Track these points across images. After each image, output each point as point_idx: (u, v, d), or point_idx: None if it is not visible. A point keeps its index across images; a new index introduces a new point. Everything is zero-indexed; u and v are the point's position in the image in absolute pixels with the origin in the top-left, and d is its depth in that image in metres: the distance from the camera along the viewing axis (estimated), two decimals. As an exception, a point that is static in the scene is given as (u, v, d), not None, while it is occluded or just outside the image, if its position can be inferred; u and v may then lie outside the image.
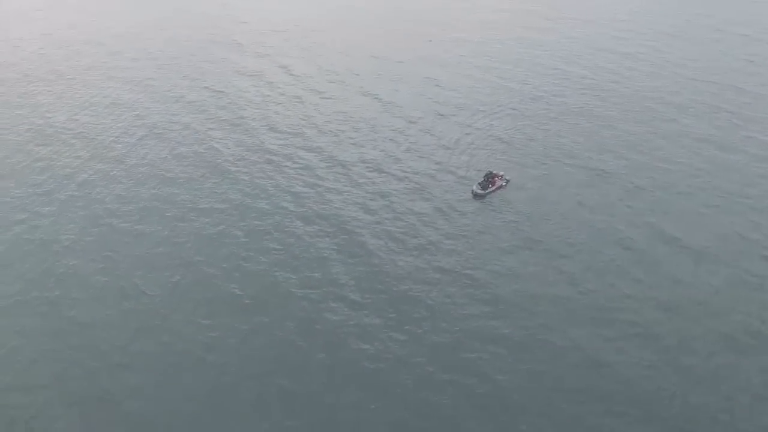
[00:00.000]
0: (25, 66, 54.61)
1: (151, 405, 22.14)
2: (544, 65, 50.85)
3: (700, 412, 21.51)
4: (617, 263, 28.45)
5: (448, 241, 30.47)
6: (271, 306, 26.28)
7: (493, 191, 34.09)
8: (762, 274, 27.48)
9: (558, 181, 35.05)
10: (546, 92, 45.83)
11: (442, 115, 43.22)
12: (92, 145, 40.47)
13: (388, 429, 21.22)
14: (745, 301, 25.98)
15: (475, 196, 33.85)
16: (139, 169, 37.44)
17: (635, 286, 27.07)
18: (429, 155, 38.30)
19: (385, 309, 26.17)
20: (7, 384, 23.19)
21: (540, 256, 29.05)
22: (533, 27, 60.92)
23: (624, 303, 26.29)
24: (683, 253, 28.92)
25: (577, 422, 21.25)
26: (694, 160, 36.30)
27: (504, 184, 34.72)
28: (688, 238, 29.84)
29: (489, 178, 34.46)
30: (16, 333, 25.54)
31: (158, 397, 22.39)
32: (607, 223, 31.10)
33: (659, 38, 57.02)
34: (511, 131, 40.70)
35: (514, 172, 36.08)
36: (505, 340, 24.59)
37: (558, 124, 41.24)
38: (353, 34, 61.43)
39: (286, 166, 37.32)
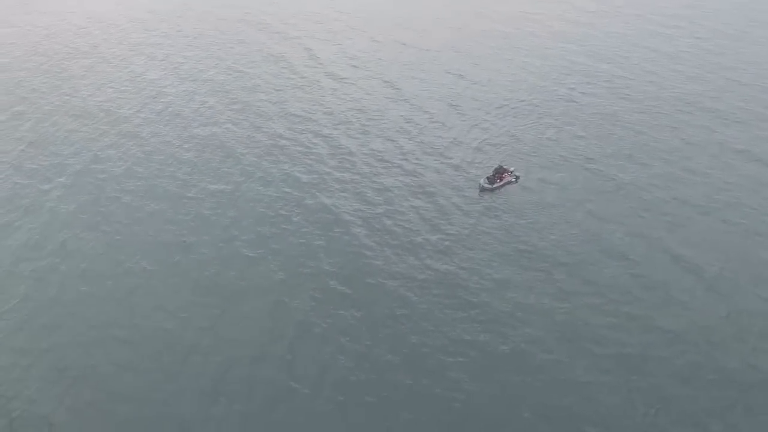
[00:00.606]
0: (68, 38, 56.09)
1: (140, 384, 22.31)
2: (577, 61, 47.76)
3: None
4: (618, 279, 26.23)
5: (445, 238, 29.12)
6: (254, 292, 26.03)
7: (501, 186, 32.63)
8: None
9: (571, 184, 32.82)
10: (574, 90, 43.01)
11: (459, 107, 41.31)
12: (114, 120, 41.26)
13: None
14: (757, 335, 23.40)
15: (482, 189, 32.60)
16: (156, 145, 37.87)
17: (633, 306, 24.89)
18: (440, 147, 36.72)
19: (365, 304, 25.28)
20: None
21: (537, 264, 27.21)
22: (572, 20, 57.39)
23: (618, 322, 24.21)
24: (693, 273, 26.39)
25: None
26: (724, 174, 33.21)
27: (513, 180, 33.15)
28: (701, 257, 27.24)
29: (498, 173, 33.11)
30: (12, 298, 26.27)
31: (150, 379, 22.57)
32: (615, 235, 28.77)
33: (712, 38, 52.71)
34: (531, 129, 38.43)
35: (526, 170, 34.14)
36: (483, 347, 23.17)
37: (582, 125, 38.63)
38: (385, 20, 59.75)
39: (296, 150, 36.82)
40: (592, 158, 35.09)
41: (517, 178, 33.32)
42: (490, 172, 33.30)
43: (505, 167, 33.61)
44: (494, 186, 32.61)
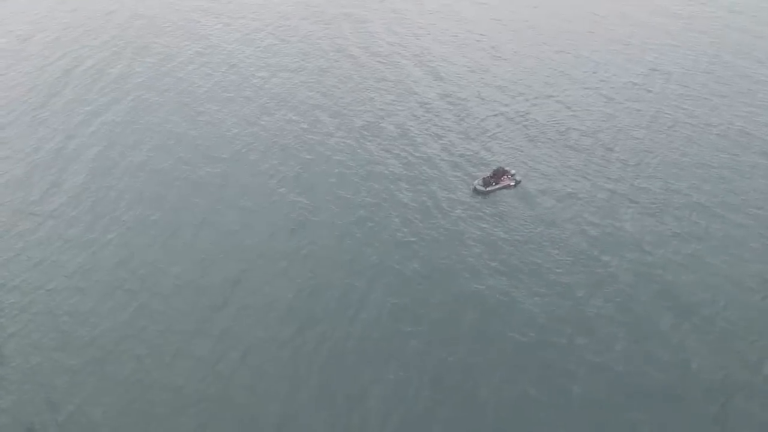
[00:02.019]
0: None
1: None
2: (642, 65, 41.46)
3: None
4: (602, 316, 22.80)
5: (419, 241, 26.72)
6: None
7: (497, 189, 29.44)
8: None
9: (578, 199, 28.97)
10: (620, 96, 37.87)
11: (482, 98, 37.71)
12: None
13: None
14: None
15: (475, 191, 29.35)
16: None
17: (608, 349, 21.55)
18: (446, 139, 33.74)
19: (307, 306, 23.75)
20: None
21: (513, 287, 24.22)
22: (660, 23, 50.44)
23: (584, 364, 21.01)
24: (689, 312, 22.72)
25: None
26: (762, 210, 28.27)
27: (513, 184, 29.85)
28: (703, 296, 23.46)
29: (496, 174, 29.95)
30: (17, 237, 27.67)
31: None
32: (612, 268, 24.94)
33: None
34: (552, 130, 34.39)
35: (532, 175, 30.57)
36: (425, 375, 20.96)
37: (614, 135, 34.00)
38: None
39: (310, 132, 35.19)
40: (615, 175, 30.38)
41: (516, 182, 29.99)
42: (489, 173, 30.25)
43: (505, 169, 30.37)
44: (488, 189, 29.49)
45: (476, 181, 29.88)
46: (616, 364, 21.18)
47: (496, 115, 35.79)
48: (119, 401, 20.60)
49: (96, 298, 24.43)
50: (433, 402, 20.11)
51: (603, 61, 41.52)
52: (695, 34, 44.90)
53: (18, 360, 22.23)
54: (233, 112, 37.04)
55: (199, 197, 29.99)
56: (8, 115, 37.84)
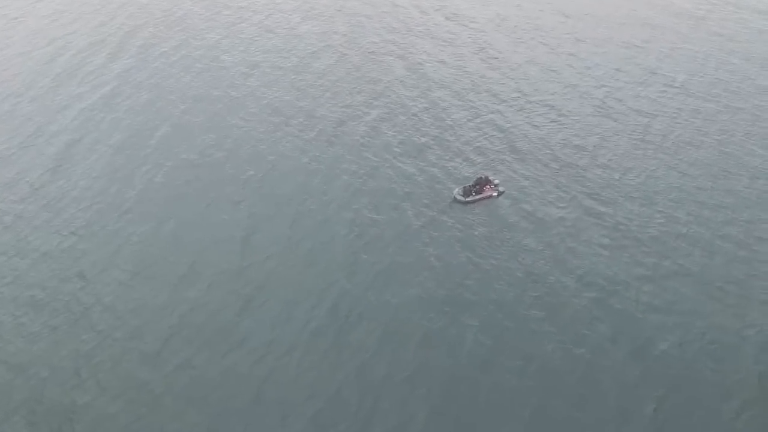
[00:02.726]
0: None
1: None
2: (643, 70, 38.88)
3: None
4: (549, 366, 20.85)
5: (371, 254, 25.15)
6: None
7: (478, 200, 27.79)
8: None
9: (563, 218, 26.77)
10: (630, 108, 34.82)
11: (470, 101, 35.67)
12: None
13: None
14: None
15: (455, 201, 27.68)
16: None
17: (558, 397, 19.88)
18: (428, 143, 31.94)
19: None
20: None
21: (472, 318, 22.37)
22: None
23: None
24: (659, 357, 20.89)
25: None
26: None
27: (495, 195, 27.99)
28: (684, 319, 21.69)
29: (478, 184, 28.24)
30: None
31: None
32: (584, 300, 22.95)
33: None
34: (543, 139, 32.07)
35: (517, 185, 28.72)
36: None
37: (615, 151, 31.02)
38: None
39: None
40: (606, 195, 27.85)
41: (499, 193, 28.21)
42: (471, 182, 28.50)
43: (489, 178, 28.58)
44: (468, 199, 27.79)
45: (456, 190, 28.14)
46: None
47: (484, 120, 33.83)
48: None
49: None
50: None
51: (602, 64, 39.15)
52: (710, 36, 42.30)
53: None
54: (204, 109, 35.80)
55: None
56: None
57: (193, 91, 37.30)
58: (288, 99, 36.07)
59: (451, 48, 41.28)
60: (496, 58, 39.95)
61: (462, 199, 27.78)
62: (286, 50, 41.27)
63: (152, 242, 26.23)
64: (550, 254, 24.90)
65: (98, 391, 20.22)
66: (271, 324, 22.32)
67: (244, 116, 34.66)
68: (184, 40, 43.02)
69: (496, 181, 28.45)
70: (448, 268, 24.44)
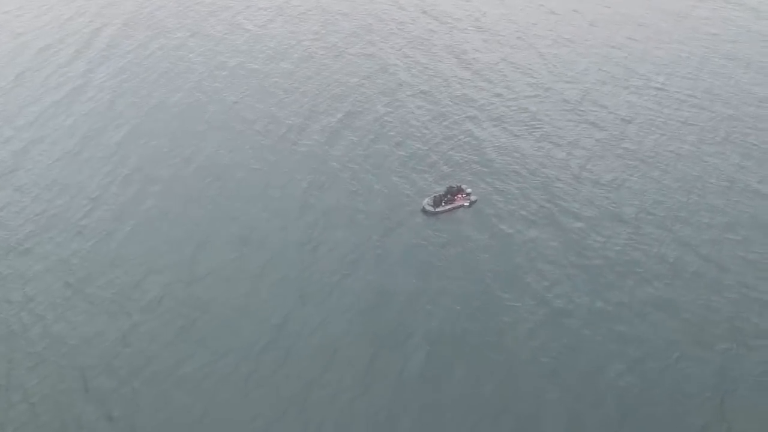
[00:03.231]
0: None
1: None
2: (635, 75, 36.24)
3: None
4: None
5: (324, 271, 23.76)
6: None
7: (448, 210, 26.45)
8: None
9: (531, 233, 25.17)
10: (609, 112, 32.75)
11: (453, 101, 34.24)
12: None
13: None
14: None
15: (424, 211, 26.36)
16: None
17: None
18: (400, 151, 30.32)
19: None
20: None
21: (422, 339, 21.03)
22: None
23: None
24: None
25: None
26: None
27: (467, 204, 26.68)
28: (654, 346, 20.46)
29: (450, 193, 26.95)
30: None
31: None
32: (538, 320, 21.53)
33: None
34: (526, 149, 30.17)
35: (490, 195, 27.26)
36: None
37: (590, 159, 29.30)
38: None
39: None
40: (576, 215, 26.09)
41: (471, 203, 26.87)
42: (442, 190, 27.13)
43: (461, 187, 27.23)
44: (438, 210, 26.45)
45: (426, 200, 26.74)
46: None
47: (456, 124, 32.19)
48: None
49: None
50: None
51: (582, 64, 37.66)
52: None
53: None
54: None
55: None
56: None
57: (157, 93, 35.69)
58: (253, 102, 34.48)
59: (427, 47, 39.76)
60: (473, 57, 38.39)
61: (431, 209, 26.35)
62: (255, 50, 39.58)
63: (97, 258, 24.79)
64: (511, 271, 23.46)
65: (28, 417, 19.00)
66: (217, 342, 21.08)
67: (207, 120, 33.14)
68: (152, 37, 41.33)
69: (469, 190, 27.07)
70: (405, 284, 23.03)
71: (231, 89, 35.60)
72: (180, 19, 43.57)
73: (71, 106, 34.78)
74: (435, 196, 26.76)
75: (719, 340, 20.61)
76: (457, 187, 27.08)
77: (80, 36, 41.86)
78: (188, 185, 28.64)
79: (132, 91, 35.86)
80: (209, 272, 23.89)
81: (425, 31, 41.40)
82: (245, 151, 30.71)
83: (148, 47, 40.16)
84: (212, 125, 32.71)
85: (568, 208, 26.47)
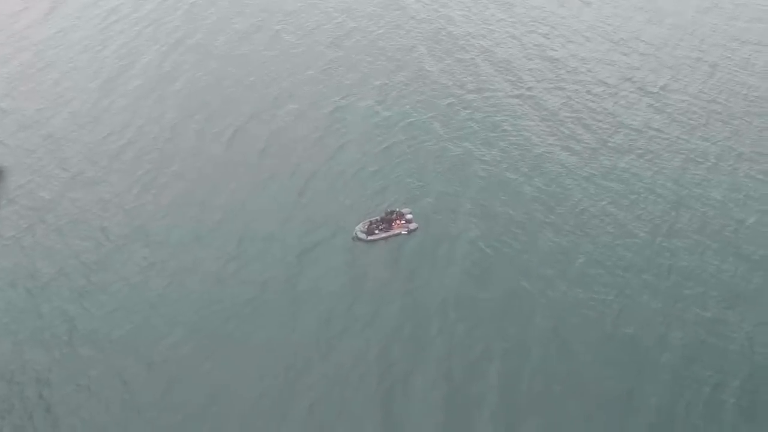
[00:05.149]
0: None
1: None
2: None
3: None
4: None
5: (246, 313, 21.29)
6: None
7: (384, 238, 23.73)
8: None
9: (469, 267, 22.36)
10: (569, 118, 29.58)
11: (407, 108, 30.42)
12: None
13: None
14: None
15: (356, 239, 23.87)
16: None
17: None
18: (338, 162, 27.18)
19: None
20: None
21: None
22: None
23: None
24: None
25: None
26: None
27: (405, 232, 23.93)
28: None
29: (387, 219, 24.21)
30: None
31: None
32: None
33: None
34: (477, 168, 26.59)
35: (433, 222, 24.25)
36: None
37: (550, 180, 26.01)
38: None
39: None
40: (517, 242, 23.20)
41: (410, 231, 23.90)
42: (380, 215, 24.16)
43: (401, 211, 24.23)
44: (371, 238, 23.61)
45: (358, 226, 23.89)
46: None
47: (406, 130, 28.73)
48: None
49: None
50: None
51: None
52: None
53: None
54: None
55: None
56: None
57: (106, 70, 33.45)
58: (201, 89, 31.92)
59: (398, 33, 35.88)
60: (446, 50, 34.49)
61: (364, 237, 23.60)
62: (216, 30, 36.38)
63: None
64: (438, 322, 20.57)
65: None
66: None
67: (150, 104, 30.96)
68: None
69: (409, 216, 24.11)
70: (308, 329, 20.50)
71: (179, 74, 32.94)
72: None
73: None
74: (370, 222, 23.90)
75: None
76: (397, 212, 24.12)
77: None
78: (105, 191, 26.49)
79: (83, 67, 33.66)
80: (107, 289, 21.85)
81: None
82: (182, 144, 28.31)
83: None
84: (154, 112, 30.29)
85: (511, 239, 23.28)
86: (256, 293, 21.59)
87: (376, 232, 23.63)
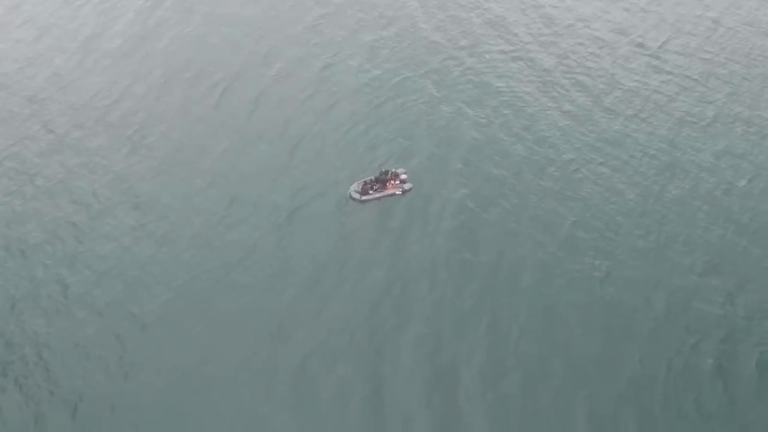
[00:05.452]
0: None
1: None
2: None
3: None
4: None
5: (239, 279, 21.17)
6: None
7: (378, 198, 23.60)
8: None
9: (460, 230, 22.24)
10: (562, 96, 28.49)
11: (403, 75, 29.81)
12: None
13: None
14: None
15: (350, 199, 23.75)
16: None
17: None
18: (330, 122, 26.77)
19: None
20: None
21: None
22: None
23: None
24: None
25: None
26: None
27: (399, 192, 23.77)
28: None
29: (382, 179, 23.99)
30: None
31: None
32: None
33: None
34: (474, 134, 26.06)
35: (427, 182, 24.14)
36: None
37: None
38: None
39: None
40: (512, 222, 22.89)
41: (404, 191, 23.84)
42: (374, 175, 23.95)
43: (396, 171, 24.12)
44: (365, 198, 23.54)
45: (353, 186, 23.79)
46: None
47: (402, 95, 28.06)
48: None
49: None
50: None
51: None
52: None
53: None
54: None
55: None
56: None
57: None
58: (187, 46, 31.15)
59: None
60: (437, 26, 33.34)
61: (358, 197, 23.53)
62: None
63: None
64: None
65: None
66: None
67: (135, 62, 30.18)
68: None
69: (404, 176, 23.99)
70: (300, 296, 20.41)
71: (168, 30, 31.94)
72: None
73: None
74: (364, 182, 23.74)
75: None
76: (392, 172, 24.00)
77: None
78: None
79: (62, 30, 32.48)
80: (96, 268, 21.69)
81: None
82: (165, 101, 27.70)
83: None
84: (141, 71, 29.51)
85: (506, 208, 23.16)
86: (247, 254, 21.47)
87: (371, 192, 23.49)
